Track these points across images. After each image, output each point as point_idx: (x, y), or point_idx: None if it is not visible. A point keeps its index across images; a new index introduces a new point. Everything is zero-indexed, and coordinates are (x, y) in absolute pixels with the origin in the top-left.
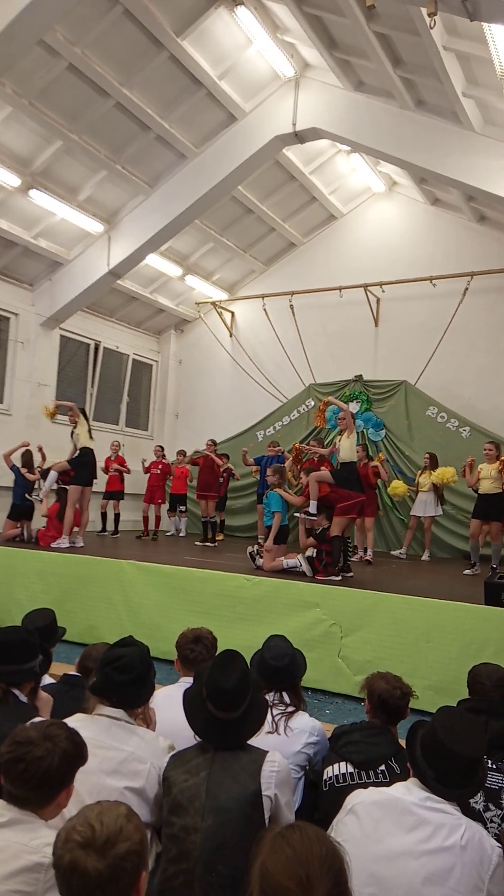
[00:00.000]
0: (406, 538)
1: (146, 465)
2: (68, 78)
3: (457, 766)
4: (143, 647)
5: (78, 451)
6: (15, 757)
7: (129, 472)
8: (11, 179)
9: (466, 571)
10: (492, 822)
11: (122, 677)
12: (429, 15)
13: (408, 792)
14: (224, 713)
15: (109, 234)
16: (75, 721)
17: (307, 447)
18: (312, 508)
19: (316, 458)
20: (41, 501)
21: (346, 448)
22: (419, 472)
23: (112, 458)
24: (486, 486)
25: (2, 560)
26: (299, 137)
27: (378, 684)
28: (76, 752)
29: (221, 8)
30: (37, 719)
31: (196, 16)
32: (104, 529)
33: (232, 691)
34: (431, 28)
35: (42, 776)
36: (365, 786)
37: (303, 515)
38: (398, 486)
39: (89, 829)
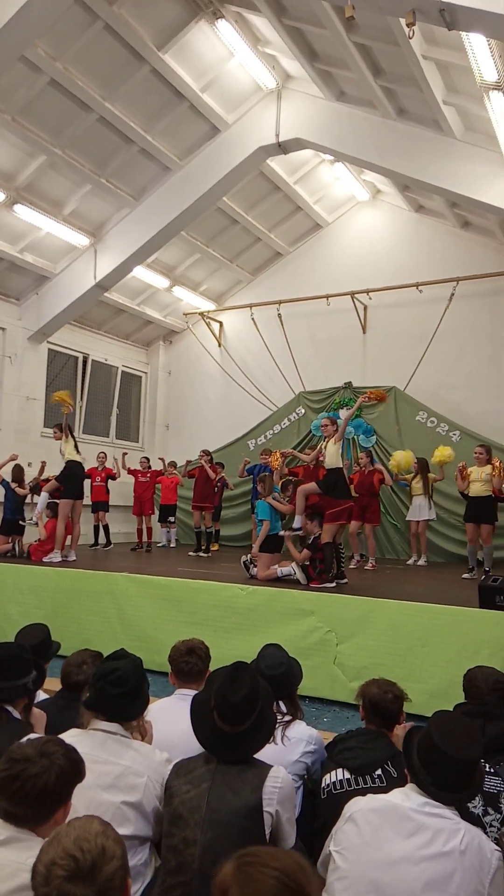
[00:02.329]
0: (412, 545)
1: (122, 463)
2: (50, 93)
3: (454, 771)
4: (136, 659)
5: (64, 465)
6: (11, 775)
7: (116, 477)
8: None
9: (465, 575)
10: (491, 826)
11: (116, 690)
12: (407, 25)
13: (406, 798)
14: (230, 727)
15: (95, 247)
16: (70, 736)
17: (289, 452)
18: (297, 523)
19: (311, 465)
20: (35, 524)
21: (332, 454)
22: (412, 476)
23: (99, 469)
24: (476, 490)
25: None
26: (283, 148)
27: (369, 689)
28: (73, 769)
29: (202, 21)
30: (32, 736)
31: (177, 29)
32: (96, 542)
33: (239, 705)
34: (410, 38)
35: (38, 794)
36: (362, 791)
37: (287, 533)
38: (401, 459)
39: (71, 861)
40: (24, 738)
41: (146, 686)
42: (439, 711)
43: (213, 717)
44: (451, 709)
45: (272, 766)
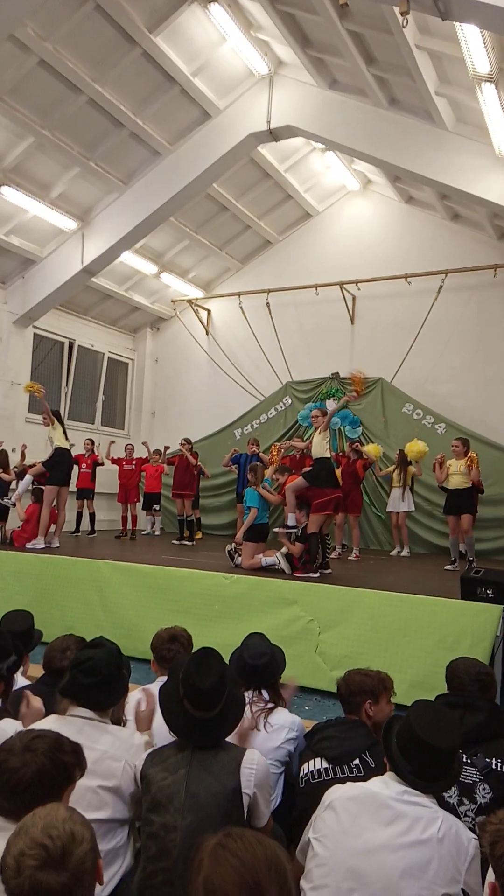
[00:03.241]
0: (394, 536)
1: (107, 453)
2: (40, 73)
3: (433, 759)
4: (113, 648)
5: (52, 452)
6: None
7: (102, 464)
8: None
9: (448, 567)
10: (466, 815)
11: (89, 680)
12: (401, 14)
13: (385, 786)
14: (202, 712)
15: (83, 231)
16: (49, 723)
17: (287, 443)
18: (290, 521)
19: (298, 455)
20: (14, 505)
21: (317, 444)
22: (393, 467)
23: (85, 456)
24: (455, 482)
25: None
26: (274, 135)
27: (339, 681)
28: (54, 769)
29: (195, 5)
30: (9, 720)
31: (169, 12)
32: (77, 529)
33: (209, 690)
34: (404, 27)
35: (13, 787)
36: (341, 781)
37: (281, 530)
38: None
39: (41, 850)
40: (2, 724)
41: (122, 675)
42: (419, 701)
43: (184, 704)
44: (433, 699)
45: (246, 749)
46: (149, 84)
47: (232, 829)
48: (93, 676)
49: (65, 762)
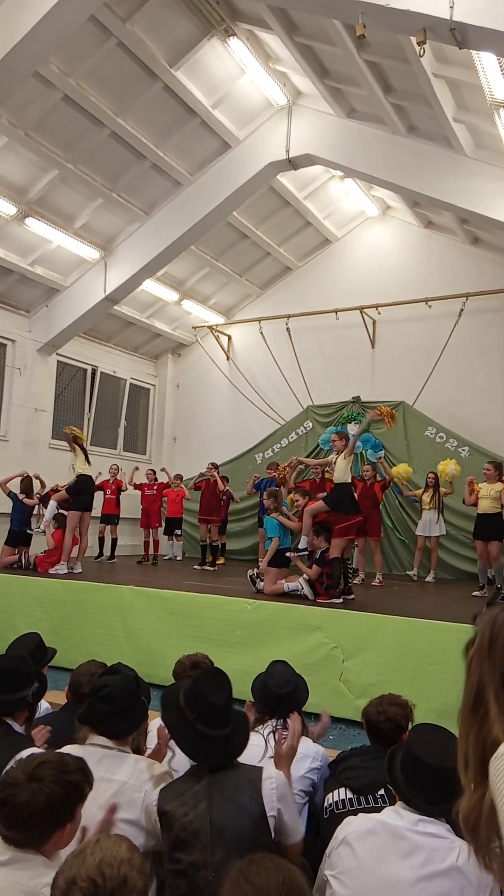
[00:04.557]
0: (416, 559)
1: (130, 479)
2: (63, 108)
3: (439, 781)
4: (129, 675)
5: (76, 479)
6: (1, 799)
7: (126, 489)
8: (7, 208)
9: (475, 593)
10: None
11: (105, 708)
12: (418, 43)
13: (398, 816)
14: (219, 730)
15: (106, 260)
16: (68, 753)
17: (294, 459)
18: (303, 544)
19: (317, 479)
20: (43, 532)
21: (340, 469)
22: (421, 491)
23: (110, 482)
24: (485, 506)
25: (0, 587)
26: (293, 164)
27: (369, 709)
28: (64, 793)
29: (214, 39)
30: (33, 750)
31: (189, 46)
32: (101, 554)
33: (224, 706)
34: (421, 56)
35: (27, 819)
36: (366, 811)
37: (293, 555)
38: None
39: (91, 885)
40: (25, 753)
41: (140, 703)
42: (416, 726)
43: (196, 728)
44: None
45: (261, 767)
46: (170, 117)
47: (254, 856)
48: (108, 704)
49: (73, 783)
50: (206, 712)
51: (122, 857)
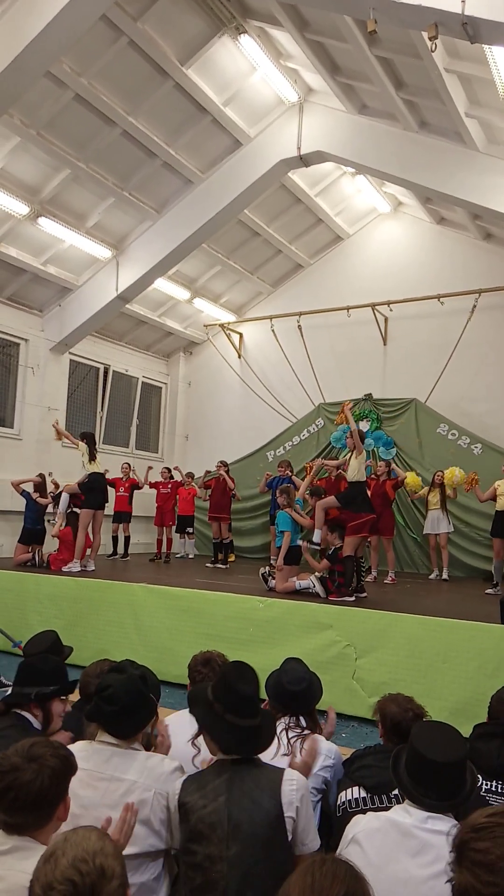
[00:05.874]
0: (432, 559)
1: (145, 478)
2: (75, 108)
3: (444, 776)
4: (135, 674)
5: (87, 477)
6: (3, 787)
7: (141, 488)
8: (20, 208)
9: (489, 591)
10: None
11: (109, 708)
12: (430, 38)
13: (407, 814)
14: (249, 720)
15: (118, 259)
16: (77, 750)
17: (321, 461)
18: (316, 538)
19: (333, 477)
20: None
21: (354, 468)
22: (426, 490)
23: (123, 480)
24: (503, 504)
25: (14, 585)
26: (304, 161)
27: (389, 708)
28: (64, 766)
29: (225, 37)
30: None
31: (200, 45)
32: (115, 552)
33: (252, 696)
34: (432, 51)
35: (34, 799)
36: (380, 810)
37: (305, 544)
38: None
39: (69, 886)
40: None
41: (147, 700)
42: (418, 723)
43: (226, 719)
44: (472, 727)
45: (284, 769)
46: (181, 115)
47: (332, 856)
48: (112, 704)
49: (66, 755)
50: (236, 703)
51: (94, 849)
